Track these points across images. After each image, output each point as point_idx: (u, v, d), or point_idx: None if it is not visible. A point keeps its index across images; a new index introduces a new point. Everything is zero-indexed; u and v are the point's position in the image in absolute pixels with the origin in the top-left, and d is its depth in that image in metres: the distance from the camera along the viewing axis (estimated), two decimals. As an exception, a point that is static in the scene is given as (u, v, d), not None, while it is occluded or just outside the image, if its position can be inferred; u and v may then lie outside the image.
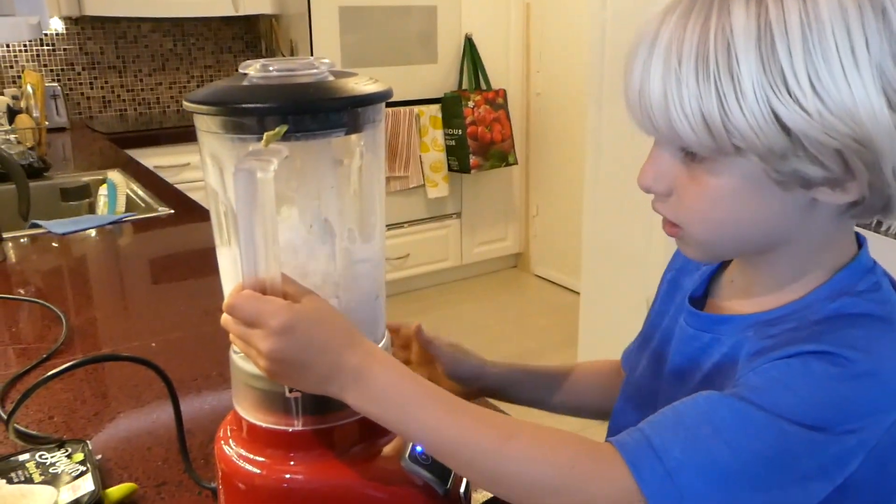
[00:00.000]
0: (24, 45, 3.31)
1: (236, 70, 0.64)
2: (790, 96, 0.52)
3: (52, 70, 3.40)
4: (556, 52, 3.72)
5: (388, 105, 0.67)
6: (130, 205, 2.07)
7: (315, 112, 0.60)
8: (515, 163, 3.83)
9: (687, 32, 0.55)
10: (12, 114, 2.71)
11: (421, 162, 3.65)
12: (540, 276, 4.07)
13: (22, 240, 1.72)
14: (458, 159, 3.67)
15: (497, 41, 3.74)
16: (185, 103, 0.61)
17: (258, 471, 0.64)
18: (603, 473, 0.55)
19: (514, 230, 4.08)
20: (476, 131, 3.62)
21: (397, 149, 3.55)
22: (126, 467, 0.87)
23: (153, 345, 1.18)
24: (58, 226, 1.76)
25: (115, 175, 2.22)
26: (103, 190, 2.09)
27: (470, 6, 3.62)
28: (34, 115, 2.61)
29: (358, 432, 0.66)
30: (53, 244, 1.71)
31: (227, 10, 3.40)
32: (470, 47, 3.65)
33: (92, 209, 2.09)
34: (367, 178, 0.68)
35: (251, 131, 0.59)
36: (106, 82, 3.54)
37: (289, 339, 0.57)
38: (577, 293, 2.70)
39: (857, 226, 0.65)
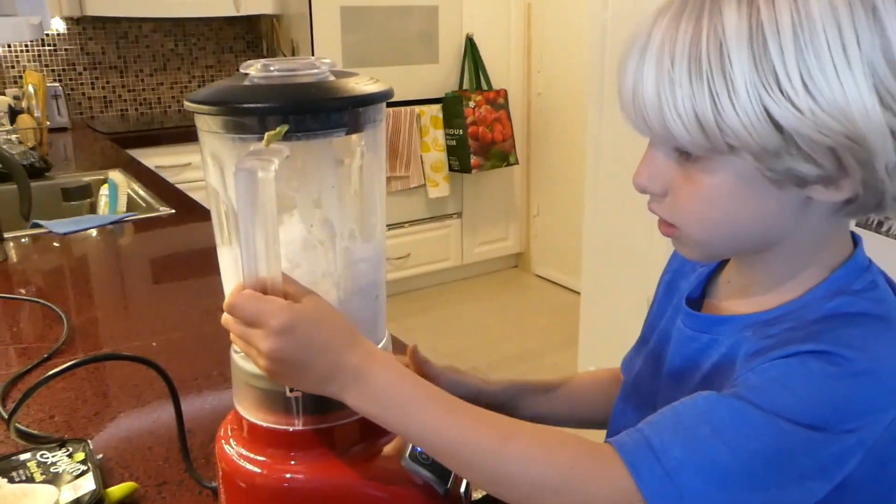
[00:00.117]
0: (26, 46, 3.32)
1: (237, 70, 0.64)
2: (782, 95, 0.52)
3: (53, 70, 3.40)
4: (557, 52, 3.72)
5: (389, 105, 0.67)
6: (131, 205, 2.07)
7: (316, 112, 0.60)
8: (516, 163, 3.83)
9: (679, 33, 0.55)
10: (14, 114, 2.71)
11: (422, 162, 3.65)
12: (540, 276, 4.07)
13: (23, 239, 1.72)
14: (459, 159, 3.67)
15: (498, 41, 3.75)
16: (187, 103, 0.61)
17: (259, 470, 0.65)
18: (602, 474, 0.55)
19: (515, 230, 4.08)
20: (477, 131, 3.62)
21: (398, 148, 3.55)
22: (127, 466, 0.87)
23: (154, 344, 1.18)
24: (59, 225, 1.77)
25: (116, 175, 2.23)
26: (104, 190, 2.09)
27: (471, 6, 3.62)
28: (35, 115, 2.62)
29: (358, 432, 0.66)
30: (55, 244, 1.71)
31: (228, 10, 3.40)
32: (471, 47, 3.65)
33: (93, 209, 2.09)
34: (368, 178, 0.68)
35: (252, 131, 0.59)
36: (107, 82, 3.54)
37: (289, 338, 0.57)
38: (578, 293, 2.70)
39: (859, 226, 0.65)
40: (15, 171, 1.66)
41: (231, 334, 0.61)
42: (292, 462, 0.64)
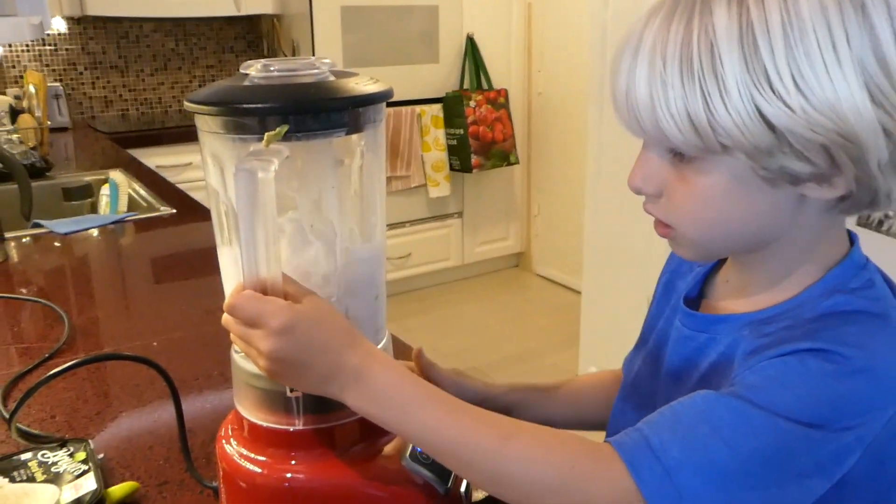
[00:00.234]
0: (27, 46, 3.32)
1: (238, 70, 0.64)
2: (774, 94, 0.53)
3: (54, 70, 3.40)
4: (557, 51, 3.72)
5: (390, 105, 0.67)
6: (132, 204, 2.07)
7: (316, 112, 0.60)
8: (517, 162, 3.83)
9: (670, 34, 0.56)
10: (15, 114, 2.71)
11: (422, 161, 3.65)
12: (541, 276, 4.07)
13: (24, 239, 1.73)
14: (460, 159, 3.67)
15: (498, 41, 3.74)
16: (187, 104, 0.62)
17: (259, 470, 0.65)
18: (602, 473, 0.55)
19: (516, 229, 4.08)
20: (477, 131, 3.62)
21: (399, 148, 3.55)
22: (128, 466, 0.87)
23: (155, 344, 1.18)
24: (60, 225, 1.77)
25: (116, 175, 2.23)
26: (105, 189, 2.09)
27: (471, 6, 3.62)
28: (36, 114, 2.62)
29: (359, 432, 0.66)
30: (55, 244, 1.71)
31: (228, 10, 3.40)
32: (471, 47, 3.65)
33: (94, 209, 2.09)
34: (368, 178, 0.68)
35: (252, 131, 0.59)
36: (108, 82, 3.54)
37: (289, 339, 0.57)
38: (579, 292, 2.70)
39: (858, 225, 0.65)
40: (16, 170, 1.66)
41: (231, 334, 0.62)
42: (293, 462, 0.65)
